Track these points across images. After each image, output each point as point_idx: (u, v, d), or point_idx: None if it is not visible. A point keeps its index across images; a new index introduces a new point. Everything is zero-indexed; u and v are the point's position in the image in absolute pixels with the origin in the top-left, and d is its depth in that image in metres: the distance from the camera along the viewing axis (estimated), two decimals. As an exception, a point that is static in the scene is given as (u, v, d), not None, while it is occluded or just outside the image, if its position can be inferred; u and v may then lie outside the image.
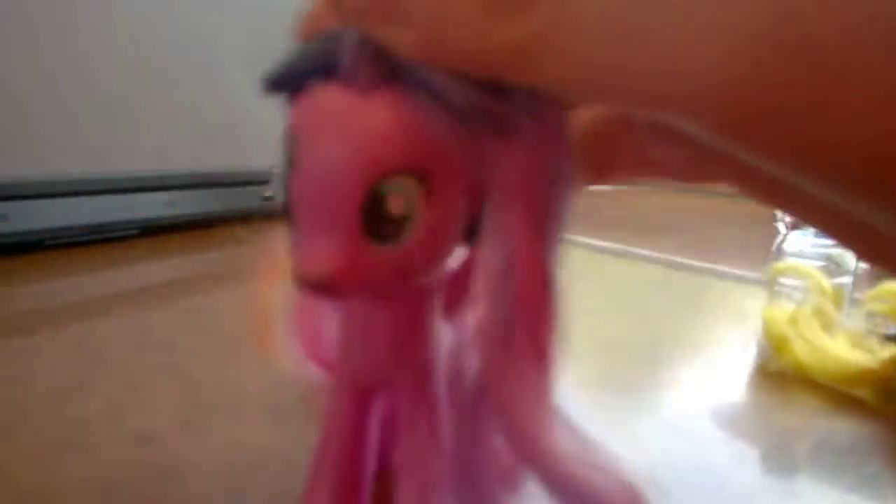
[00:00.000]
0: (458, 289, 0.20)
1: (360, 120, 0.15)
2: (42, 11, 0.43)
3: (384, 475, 0.23)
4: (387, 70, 0.14)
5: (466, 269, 0.20)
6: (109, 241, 0.51)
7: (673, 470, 0.28)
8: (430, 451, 0.20)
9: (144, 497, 0.22)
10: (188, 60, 0.50)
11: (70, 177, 0.47)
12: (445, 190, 0.16)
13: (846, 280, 0.50)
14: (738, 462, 0.30)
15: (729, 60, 0.10)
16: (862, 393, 0.37)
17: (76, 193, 0.47)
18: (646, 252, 0.71)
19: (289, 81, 0.16)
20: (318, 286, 0.15)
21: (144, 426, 0.26)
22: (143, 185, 0.52)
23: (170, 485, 0.23)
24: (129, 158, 0.51)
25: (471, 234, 0.17)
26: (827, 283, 0.43)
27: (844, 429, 0.34)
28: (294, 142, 0.15)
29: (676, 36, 0.11)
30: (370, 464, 0.20)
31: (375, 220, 0.15)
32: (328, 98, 0.15)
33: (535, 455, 0.15)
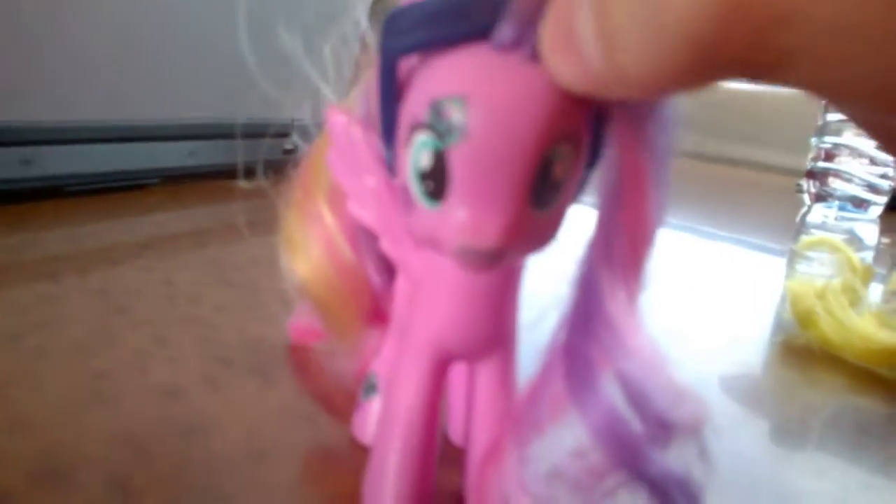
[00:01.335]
0: None
1: (535, 86, 0.14)
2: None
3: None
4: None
5: None
6: (132, 188, 0.51)
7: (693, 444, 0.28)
8: (508, 423, 0.20)
9: (168, 451, 0.22)
10: (215, 9, 0.50)
11: (93, 123, 0.46)
12: (583, 153, 0.16)
13: (867, 255, 0.50)
14: (760, 438, 0.30)
15: None
16: (889, 372, 0.37)
17: (99, 140, 0.47)
18: (670, 219, 0.71)
19: (428, 44, 0.15)
20: (482, 255, 0.15)
21: (169, 380, 0.26)
22: (166, 133, 0.51)
23: (193, 440, 0.23)
24: (152, 107, 0.50)
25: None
26: (857, 258, 0.42)
27: (869, 407, 0.34)
28: (454, 108, 0.15)
29: None
30: (438, 432, 0.20)
31: (542, 187, 0.15)
32: (497, 64, 0.15)
33: (625, 356, 0.16)
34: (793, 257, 0.52)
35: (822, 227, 0.71)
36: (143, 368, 0.27)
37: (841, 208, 0.75)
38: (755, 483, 0.26)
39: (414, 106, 0.16)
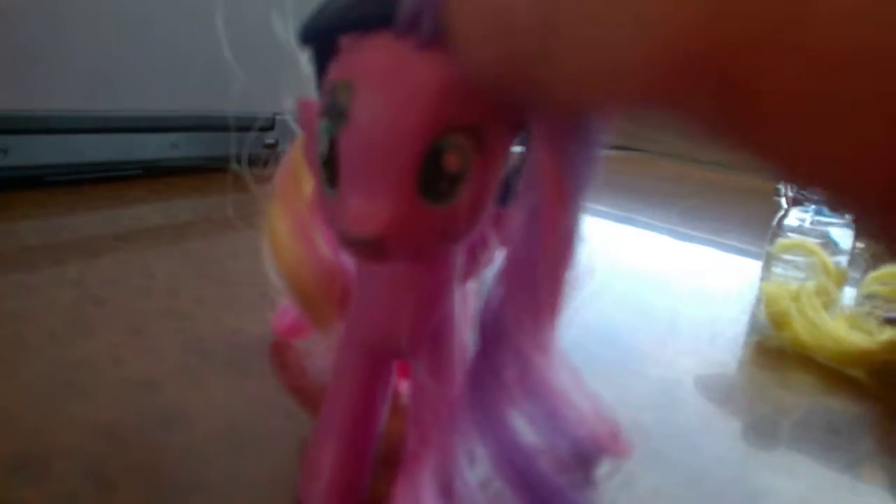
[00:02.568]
0: (470, 255, 0.20)
1: (424, 73, 0.14)
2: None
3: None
4: (443, 24, 0.14)
5: (480, 235, 0.20)
6: (112, 179, 0.51)
7: (664, 443, 0.28)
8: (443, 417, 0.20)
9: (145, 442, 0.22)
10: (200, 1, 0.49)
11: (73, 113, 0.46)
12: (493, 149, 0.15)
13: (842, 259, 0.50)
14: (732, 437, 0.31)
15: None
16: (858, 374, 0.37)
17: (79, 130, 0.46)
18: (646, 220, 0.71)
19: (330, 31, 0.16)
20: (368, 245, 0.15)
21: (146, 371, 0.26)
22: (148, 125, 0.51)
23: (170, 431, 0.23)
24: (134, 97, 0.50)
25: (502, 196, 0.17)
26: (831, 262, 0.43)
27: (839, 408, 0.35)
28: (343, 93, 0.15)
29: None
30: (377, 427, 0.20)
31: (431, 177, 0.15)
32: (388, 49, 0.15)
33: (537, 383, 0.16)
34: (769, 260, 0.53)
35: (799, 230, 0.72)
36: (119, 359, 0.27)
37: (817, 212, 0.76)
38: (725, 481, 0.26)
39: (322, 93, 0.16)
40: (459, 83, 0.14)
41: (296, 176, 0.24)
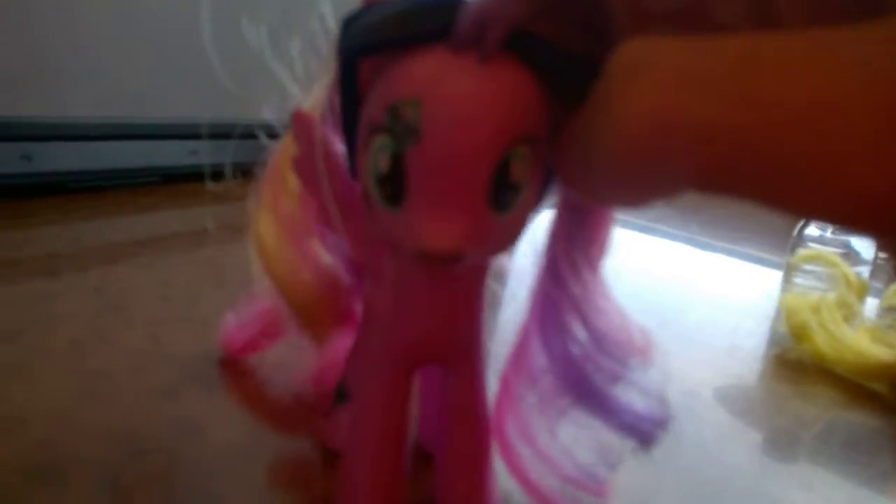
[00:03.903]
0: None
1: (493, 86, 0.15)
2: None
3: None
4: (506, 38, 0.14)
5: None
6: (132, 186, 0.51)
7: (685, 455, 0.28)
8: (476, 425, 0.20)
9: (160, 450, 0.22)
10: (218, 8, 0.50)
11: (95, 121, 0.47)
12: (542, 157, 0.16)
13: (864, 270, 0.50)
14: (751, 449, 0.30)
15: None
16: (879, 387, 0.37)
17: (100, 137, 0.47)
18: (667, 229, 0.71)
19: (381, 46, 0.16)
20: (445, 259, 0.15)
21: (165, 380, 0.26)
22: (168, 132, 0.51)
23: (187, 441, 0.23)
24: (154, 105, 0.50)
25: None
26: (853, 274, 0.42)
27: (859, 422, 0.34)
28: (410, 110, 0.15)
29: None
30: (409, 437, 0.20)
31: (501, 188, 0.15)
32: (452, 64, 0.15)
33: (591, 298, 0.19)
34: (789, 270, 0.52)
35: (819, 240, 0.71)
36: (138, 367, 0.27)
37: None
38: (743, 493, 0.26)
39: (372, 109, 0.16)
40: (523, 95, 0.15)
41: (282, 181, 0.24)
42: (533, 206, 0.17)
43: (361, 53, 0.16)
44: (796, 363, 0.39)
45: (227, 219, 0.43)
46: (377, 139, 0.15)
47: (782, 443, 0.31)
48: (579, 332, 0.19)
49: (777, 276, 0.54)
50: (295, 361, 0.29)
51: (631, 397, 0.19)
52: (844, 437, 0.32)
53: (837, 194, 0.10)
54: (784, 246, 0.55)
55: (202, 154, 0.53)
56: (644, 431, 0.19)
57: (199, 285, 0.36)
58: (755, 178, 0.11)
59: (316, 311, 0.24)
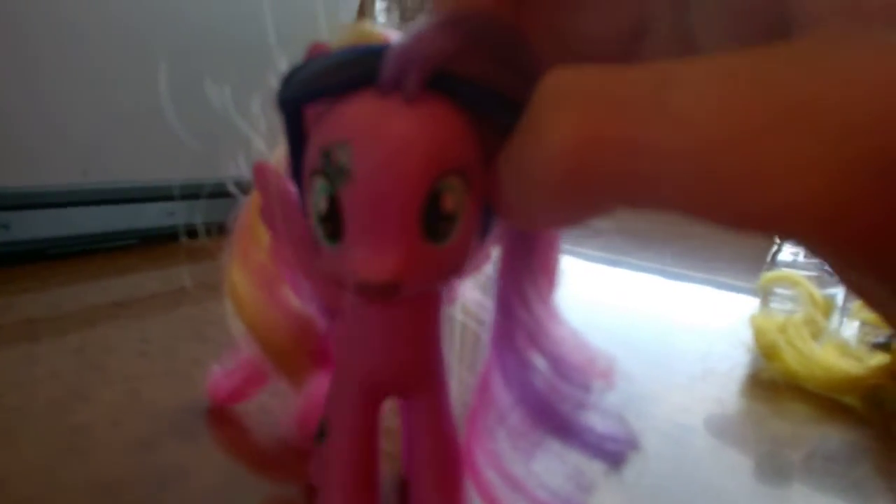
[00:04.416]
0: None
1: (416, 125, 0.15)
2: (40, 22, 0.43)
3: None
4: (426, 79, 0.15)
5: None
6: (110, 250, 0.52)
7: (665, 477, 0.28)
8: (444, 448, 0.21)
9: (144, 499, 0.23)
10: (189, 71, 0.51)
11: (71, 187, 0.47)
12: (478, 187, 0.17)
13: (839, 290, 0.51)
14: (730, 469, 0.31)
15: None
16: (851, 400, 0.37)
17: (77, 203, 0.48)
18: (639, 261, 0.72)
19: (313, 95, 0.17)
20: (381, 289, 0.16)
21: (144, 433, 0.27)
22: (144, 195, 0.52)
23: (168, 490, 0.23)
24: (129, 169, 0.51)
25: (482, 230, 0.18)
26: (818, 292, 0.43)
27: (834, 436, 0.35)
28: (342, 152, 0.16)
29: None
30: (380, 464, 0.21)
31: (432, 220, 0.16)
32: (378, 107, 0.16)
33: (545, 331, 0.20)
34: (764, 295, 0.53)
35: (793, 264, 0.73)
36: (117, 421, 0.27)
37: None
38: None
39: (310, 154, 0.17)
40: (447, 131, 0.16)
41: (253, 234, 0.25)
42: (475, 234, 0.18)
43: (297, 104, 0.17)
44: (771, 383, 0.40)
45: (204, 277, 0.44)
46: (317, 182, 0.16)
47: (761, 461, 0.32)
48: (538, 362, 0.20)
49: (750, 301, 0.55)
50: (276, 408, 0.30)
51: (596, 421, 0.20)
52: (821, 451, 0.33)
53: (756, 202, 0.11)
54: (758, 272, 0.57)
55: (178, 215, 0.54)
56: (613, 453, 0.20)
57: (177, 341, 0.37)
58: (677, 190, 0.12)
59: (290, 354, 0.24)
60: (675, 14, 0.16)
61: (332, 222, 0.16)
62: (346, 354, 0.21)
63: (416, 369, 0.20)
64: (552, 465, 0.21)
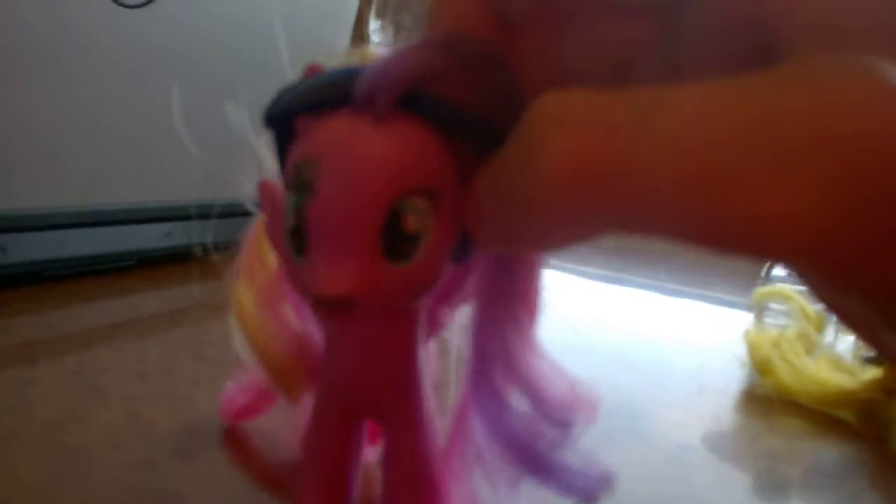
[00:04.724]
0: (431, 313, 0.21)
1: (381, 145, 0.16)
2: (39, 43, 0.44)
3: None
4: (397, 100, 0.16)
5: (439, 293, 0.21)
6: (107, 272, 0.52)
7: (661, 494, 0.28)
8: (419, 471, 0.21)
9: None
10: (190, 92, 0.51)
11: (67, 209, 0.47)
12: (447, 208, 0.17)
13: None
14: (726, 485, 0.31)
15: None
16: (844, 414, 0.38)
17: (74, 225, 0.48)
18: (635, 278, 0.72)
19: (294, 113, 0.17)
20: (338, 304, 0.16)
21: (142, 454, 0.27)
22: (141, 216, 0.52)
23: (167, 508, 0.24)
24: (126, 190, 0.51)
25: (458, 253, 0.18)
26: (811, 307, 0.44)
27: (828, 450, 0.35)
28: (310, 168, 0.16)
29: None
30: (356, 484, 0.21)
31: (393, 239, 0.16)
32: (346, 126, 0.16)
33: (522, 368, 0.20)
34: (758, 310, 0.53)
35: (787, 279, 0.73)
36: (115, 443, 0.27)
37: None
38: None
39: (286, 169, 0.17)
40: (413, 151, 0.16)
41: (259, 253, 0.25)
42: (444, 255, 0.18)
43: (280, 122, 0.18)
44: (765, 398, 0.40)
45: (203, 297, 0.44)
46: (290, 196, 0.17)
47: (756, 476, 0.32)
48: (516, 399, 0.20)
49: (744, 316, 0.56)
50: (276, 428, 0.30)
51: (570, 459, 0.20)
52: (816, 465, 0.33)
53: (742, 227, 0.11)
54: (752, 287, 0.57)
55: (176, 235, 0.54)
56: (587, 490, 0.20)
57: (175, 362, 0.37)
58: (665, 216, 0.12)
59: (289, 372, 0.25)
60: (664, 38, 0.16)
61: (299, 236, 0.17)
62: (323, 374, 0.21)
63: (390, 390, 0.20)
64: (527, 501, 0.21)
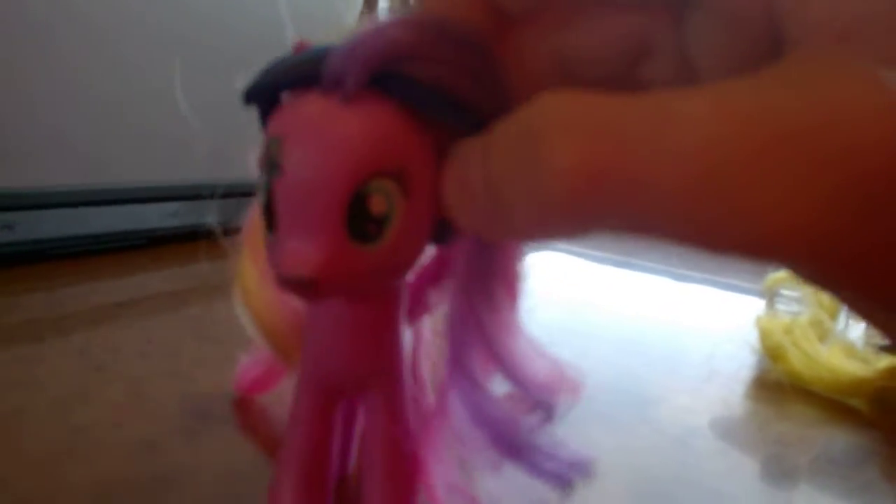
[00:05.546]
0: (419, 294, 0.21)
1: (346, 125, 0.15)
2: (45, 23, 0.43)
3: (345, 478, 0.24)
4: (367, 79, 0.15)
5: (428, 274, 0.21)
6: (114, 250, 0.52)
7: (670, 481, 0.28)
8: (397, 453, 0.20)
9: (146, 502, 0.23)
10: (196, 71, 0.51)
11: (75, 188, 0.47)
12: (420, 191, 0.16)
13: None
14: (735, 472, 0.31)
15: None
16: (857, 403, 0.37)
17: (82, 203, 0.48)
18: (646, 263, 0.72)
19: (269, 90, 0.17)
20: (301, 285, 0.16)
21: (146, 433, 0.27)
22: (149, 195, 0.52)
23: (170, 491, 0.23)
24: (134, 169, 0.51)
25: (439, 235, 0.18)
26: (823, 294, 0.43)
27: (840, 438, 0.35)
28: (277, 146, 0.16)
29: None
30: (334, 466, 0.21)
31: (358, 220, 0.16)
32: (313, 105, 0.16)
33: (501, 350, 0.19)
34: (770, 297, 0.53)
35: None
36: (120, 422, 0.27)
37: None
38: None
39: (260, 147, 0.17)
40: (381, 132, 0.16)
41: (261, 228, 0.25)
42: (418, 237, 0.17)
43: (259, 99, 0.17)
44: (776, 385, 0.40)
45: (209, 277, 0.44)
46: (261, 174, 0.17)
47: (766, 463, 0.32)
48: (496, 382, 0.20)
49: (756, 302, 0.55)
50: (279, 407, 0.30)
51: (549, 444, 0.20)
52: (827, 454, 0.33)
53: (748, 233, 0.11)
54: (764, 273, 0.56)
55: (183, 215, 0.54)
56: (562, 477, 0.20)
57: (181, 341, 0.37)
58: (673, 222, 0.12)
59: (287, 342, 0.25)
60: (674, 30, 0.16)
61: (269, 213, 0.16)
62: (303, 351, 0.21)
63: (368, 370, 0.20)
64: (506, 483, 0.20)
